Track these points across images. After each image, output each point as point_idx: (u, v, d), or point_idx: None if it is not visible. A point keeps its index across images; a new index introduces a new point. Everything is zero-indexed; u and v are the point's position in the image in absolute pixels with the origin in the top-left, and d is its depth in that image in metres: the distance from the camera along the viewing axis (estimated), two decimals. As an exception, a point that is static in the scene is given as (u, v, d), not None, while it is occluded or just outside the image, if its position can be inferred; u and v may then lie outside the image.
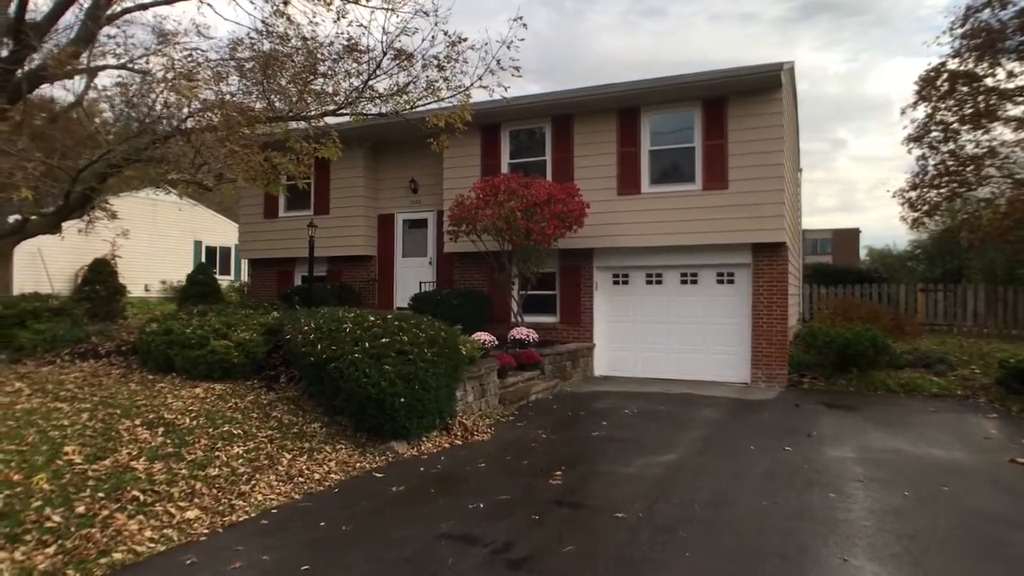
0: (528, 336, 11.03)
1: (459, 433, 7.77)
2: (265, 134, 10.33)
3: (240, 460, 6.04)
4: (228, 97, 8.62)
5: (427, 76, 9.51)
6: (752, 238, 11.16)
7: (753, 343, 11.35)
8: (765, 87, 11.06)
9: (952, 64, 16.97)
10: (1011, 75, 16.40)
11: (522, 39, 9.36)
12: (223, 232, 28.35)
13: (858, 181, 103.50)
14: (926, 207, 17.49)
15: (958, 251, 24.05)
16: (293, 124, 10.30)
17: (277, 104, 9.48)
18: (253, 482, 5.70)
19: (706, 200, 11.41)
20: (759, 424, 8.64)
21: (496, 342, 10.17)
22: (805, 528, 4.97)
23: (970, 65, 16.78)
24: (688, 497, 5.67)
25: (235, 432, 6.60)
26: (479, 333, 9.94)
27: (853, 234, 53.73)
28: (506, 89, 9.57)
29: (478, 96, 9.94)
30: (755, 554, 4.50)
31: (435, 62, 9.36)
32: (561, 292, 12.83)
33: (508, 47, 9.32)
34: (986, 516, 5.29)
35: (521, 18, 9.08)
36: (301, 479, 5.97)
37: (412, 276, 14.27)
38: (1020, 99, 16.41)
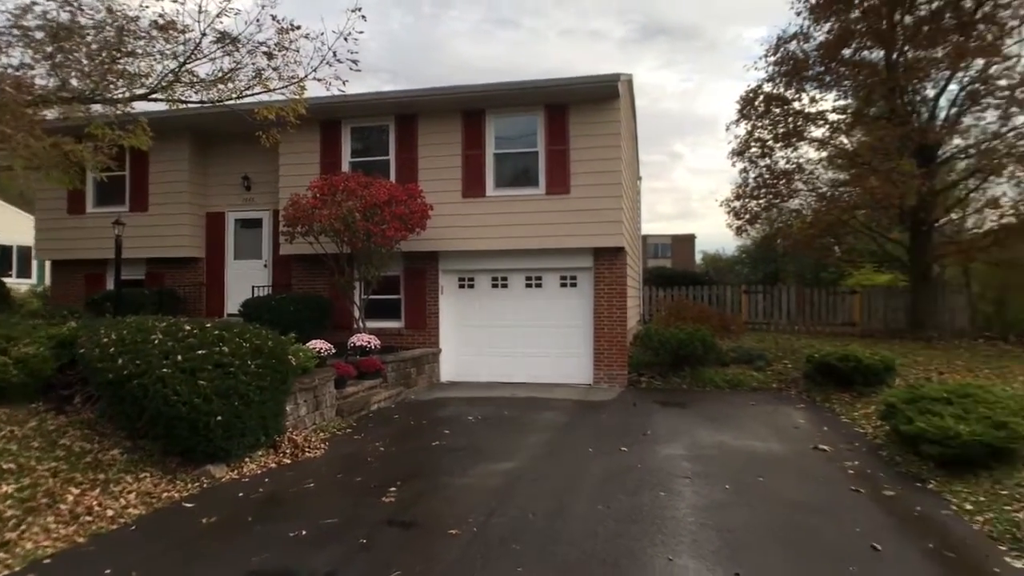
0: (370, 343, 10.54)
1: (288, 451, 7.18)
2: (63, 118, 9.05)
3: (9, 501, 5.10)
4: (7, 70, 7.37)
5: (255, 64, 8.77)
6: (593, 243, 11.46)
7: (595, 345, 11.65)
8: (603, 97, 11.40)
9: (767, 87, 18.57)
10: (813, 100, 18.25)
11: (361, 32, 8.92)
12: (22, 228, 24.82)
13: (693, 191, 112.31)
14: (748, 216, 18.95)
15: (776, 256, 26.56)
16: (100, 108, 9.09)
17: (74, 83, 8.29)
18: (23, 527, 4.81)
19: (549, 205, 11.56)
20: (598, 425, 8.81)
21: (334, 350, 9.60)
22: (635, 530, 5.01)
23: (781, 89, 18.46)
24: (525, 506, 5.55)
25: (6, 467, 5.58)
26: (315, 341, 9.32)
27: (689, 239, 57.79)
28: (344, 83, 9.06)
29: (315, 90, 9.36)
30: (586, 563, 4.44)
31: (263, 49, 8.65)
32: (406, 296, 12.45)
33: (346, 39, 8.84)
34: (794, 504, 5.66)
35: (360, 9, 8.62)
36: (89, 518, 5.14)
37: (245, 280, 13.21)
38: (821, 122, 18.31)
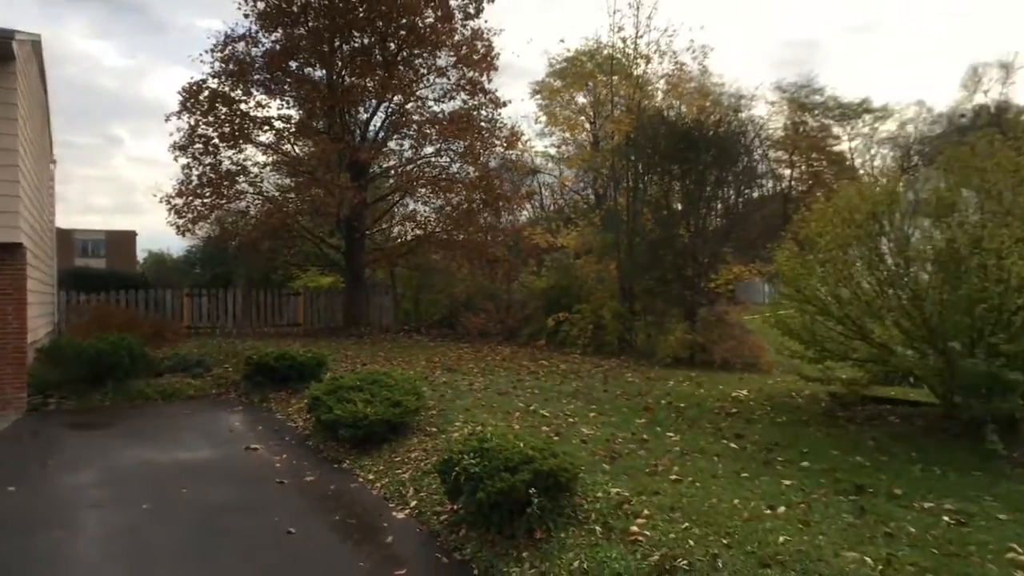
0: None
1: None
2: None
3: None
4: None
5: None
6: (-23, 235, 9.03)
7: (-19, 364, 9.18)
8: (-6, 54, 9.09)
9: (213, 83, 17.98)
10: (260, 105, 18.59)
11: None
12: None
13: (137, 182, 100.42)
14: (192, 215, 17.96)
15: (228, 258, 26.02)
16: None
17: None
18: None
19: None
20: (-23, 466, 6.94)
21: None
22: (11, 589, 4.08)
23: (228, 88, 18.20)
24: None
25: None
26: None
27: (130, 236, 51.89)
28: None
29: None
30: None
31: None
32: None
33: None
34: (218, 508, 5.55)
35: None
36: None
37: None
38: (268, 128, 18.81)
